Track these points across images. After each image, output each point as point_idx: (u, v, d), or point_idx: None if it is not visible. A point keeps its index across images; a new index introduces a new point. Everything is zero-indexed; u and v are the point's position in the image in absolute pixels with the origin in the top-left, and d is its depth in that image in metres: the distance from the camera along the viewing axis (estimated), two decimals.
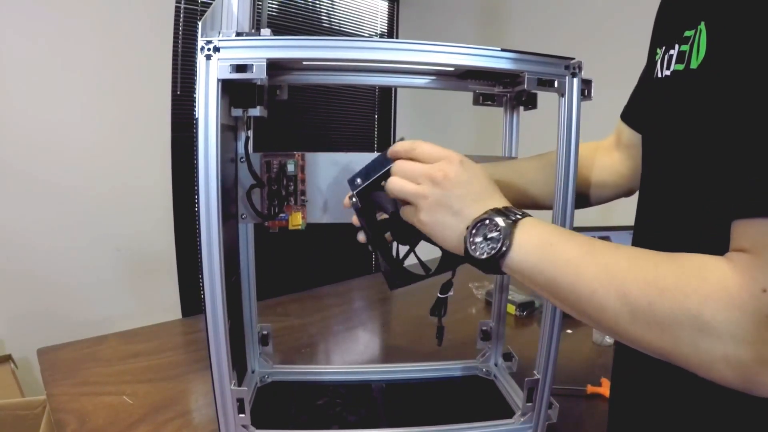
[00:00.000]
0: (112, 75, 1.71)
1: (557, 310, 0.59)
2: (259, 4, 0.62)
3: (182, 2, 1.92)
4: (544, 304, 0.61)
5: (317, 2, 2.48)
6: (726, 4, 0.37)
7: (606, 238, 1.17)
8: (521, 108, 0.71)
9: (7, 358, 1.47)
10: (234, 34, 0.53)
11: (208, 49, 0.50)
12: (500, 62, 0.55)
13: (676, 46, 0.44)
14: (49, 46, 1.58)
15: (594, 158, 0.67)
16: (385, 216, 0.53)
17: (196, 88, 0.50)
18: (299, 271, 2.38)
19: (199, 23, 0.54)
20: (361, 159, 0.68)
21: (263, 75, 0.51)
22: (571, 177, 0.56)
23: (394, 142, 0.51)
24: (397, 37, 2.79)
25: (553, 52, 0.55)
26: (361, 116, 2.76)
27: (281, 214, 0.67)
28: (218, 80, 0.50)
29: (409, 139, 0.51)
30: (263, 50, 0.51)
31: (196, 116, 0.50)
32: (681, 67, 0.43)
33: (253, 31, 0.58)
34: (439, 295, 0.58)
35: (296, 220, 0.67)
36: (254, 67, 0.51)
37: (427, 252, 0.55)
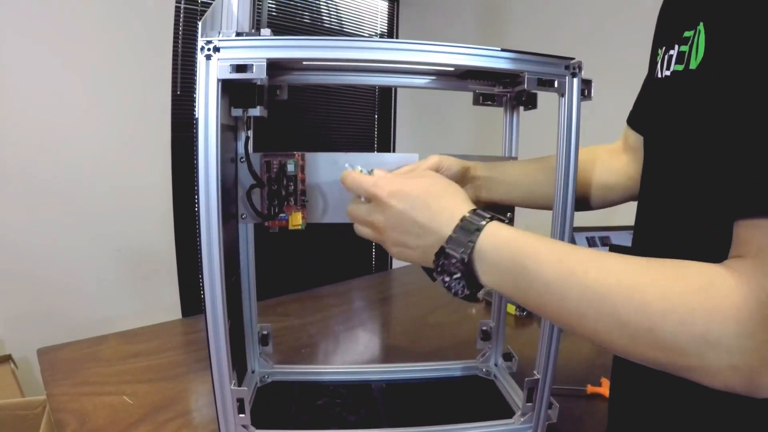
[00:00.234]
0: (112, 75, 1.71)
1: None
2: (259, 4, 0.62)
3: (182, 2, 1.92)
4: None
5: (317, 2, 2.48)
6: (724, 5, 0.37)
7: (606, 238, 1.17)
8: (521, 108, 0.71)
9: (7, 358, 1.47)
10: (234, 34, 0.53)
11: (208, 49, 0.50)
12: (500, 62, 0.54)
13: (676, 47, 0.44)
14: (49, 46, 1.58)
15: (603, 161, 0.66)
16: None
17: (196, 88, 0.50)
18: (299, 271, 2.38)
19: (199, 23, 0.54)
20: (361, 159, 0.68)
21: (263, 75, 0.51)
22: (571, 177, 0.56)
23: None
24: (397, 37, 2.79)
25: (553, 52, 0.55)
26: (361, 116, 2.76)
27: (281, 214, 0.67)
28: (218, 80, 0.50)
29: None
30: (263, 50, 0.51)
31: (196, 116, 0.50)
32: (680, 67, 0.43)
33: (253, 31, 0.58)
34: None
35: (296, 220, 0.67)
36: (254, 67, 0.51)
37: None
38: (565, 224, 0.57)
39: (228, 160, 0.62)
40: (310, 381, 0.77)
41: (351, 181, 0.51)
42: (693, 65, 0.40)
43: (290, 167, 0.66)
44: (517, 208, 0.72)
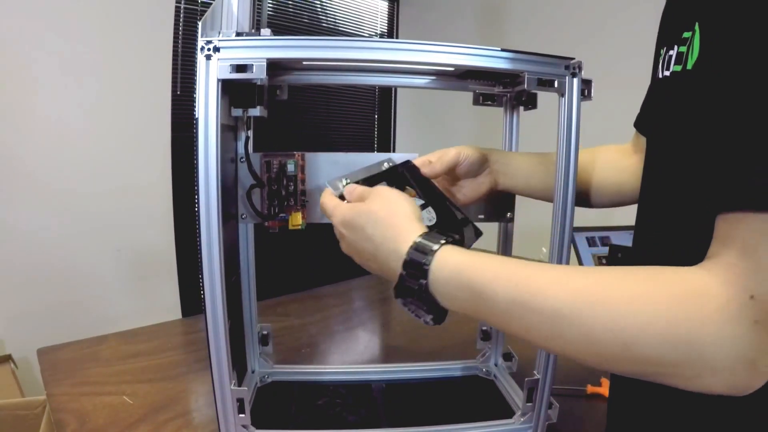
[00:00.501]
0: (112, 75, 1.71)
1: None
2: (259, 4, 0.62)
3: (182, 2, 1.92)
4: None
5: (317, 2, 2.48)
6: (718, 5, 0.37)
7: (606, 238, 1.17)
8: (521, 108, 0.71)
9: (7, 358, 1.47)
10: (234, 34, 0.53)
11: (208, 49, 0.50)
12: (500, 62, 0.55)
13: (675, 47, 0.44)
14: (49, 46, 1.58)
15: (614, 159, 0.67)
16: None
17: (196, 88, 0.50)
18: (299, 271, 2.38)
19: (199, 23, 0.54)
20: (361, 159, 0.68)
21: (263, 75, 0.51)
22: (571, 177, 0.56)
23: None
24: (397, 37, 2.79)
25: (553, 52, 0.55)
26: (361, 116, 2.76)
27: (281, 214, 0.67)
28: (218, 80, 0.50)
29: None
30: (263, 50, 0.51)
31: (196, 116, 0.50)
32: (679, 68, 0.43)
33: (253, 31, 0.58)
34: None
35: (296, 220, 0.67)
36: (254, 67, 0.51)
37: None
38: (565, 224, 0.57)
39: (228, 160, 0.62)
40: (310, 381, 0.77)
41: (320, 204, 0.53)
42: (689, 65, 0.41)
43: (290, 167, 0.66)
44: (516, 209, 0.73)
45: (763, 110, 0.31)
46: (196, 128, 0.50)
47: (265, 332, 0.76)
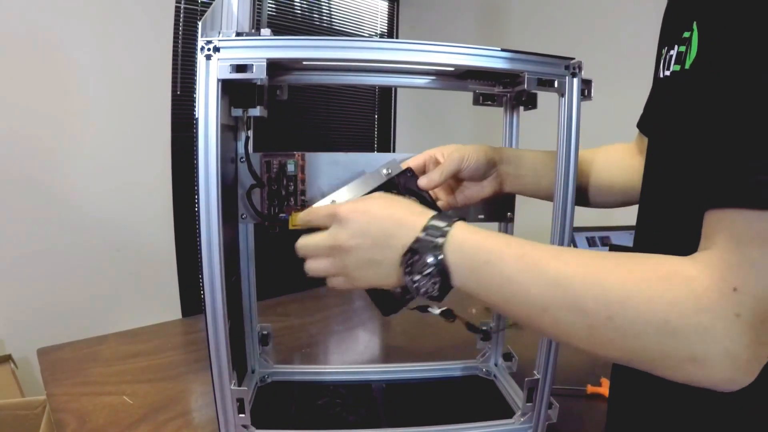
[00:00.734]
0: (112, 75, 1.71)
1: None
2: (259, 4, 0.62)
3: (182, 2, 1.92)
4: None
5: (317, 2, 2.48)
6: (715, 5, 0.37)
7: (606, 239, 1.17)
8: (521, 108, 0.71)
9: (7, 358, 1.47)
10: (234, 34, 0.53)
11: (208, 49, 0.50)
12: (500, 62, 0.54)
13: (676, 47, 0.44)
14: (49, 46, 1.58)
15: (620, 159, 0.66)
16: None
17: (196, 88, 0.50)
18: (299, 271, 2.38)
19: (199, 23, 0.54)
20: (361, 159, 0.68)
21: (263, 75, 0.51)
22: (572, 177, 0.56)
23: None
24: (397, 37, 2.79)
25: (553, 52, 0.55)
26: (361, 116, 2.76)
27: (281, 214, 0.67)
28: (218, 80, 0.50)
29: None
30: (263, 50, 0.51)
31: (196, 116, 0.50)
32: (678, 67, 0.43)
33: (253, 31, 0.58)
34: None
35: (296, 220, 0.67)
36: (254, 67, 0.51)
37: None
38: (565, 224, 0.57)
39: (228, 160, 0.62)
40: (310, 381, 0.77)
41: (306, 213, 0.51)
42: (687, 65, 0.41)
43: (290, 167, 0.66)
44: (516, 209, 0.72)
45: (752, 109, 0.31)
46: (196, 128, 0.50)
47: (265, 332, 0.76)
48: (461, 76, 0.68)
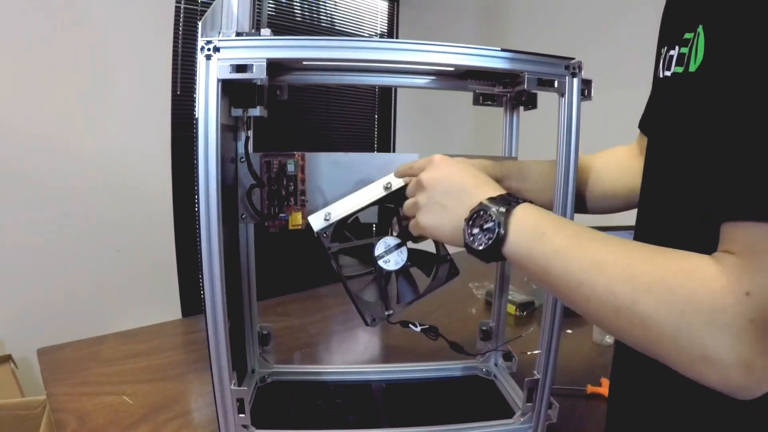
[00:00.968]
0: (112, 75, 1.71)
1: (557, 310, 0.59)
2: (259, 4, 0.62)
3: (182, 2, 1.92)
4: (544, 304, 0.61)
5: (317, 2, 2.48)
6: (724, 9, 0.37)
7: None
8: (521, 108, 0.71)
9: (7, 358, 1.47)
10: (234, 34, 0.53)
11: (208, 49, 0.50)
12: (500, 62, 0.55)
13: (677, 48, 0.44)
14: (49, 46, 1.58)
15: (625, 159, 0.66)
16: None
17: (196, 88, 0.50)
18: (299, 271, 2.38)
19: (199, 23, 0.54)
20: (361, 159, 0.68)
21: (263, 75, 0.51)
22: (571, 177, 0.56)
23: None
24: (397, 37, 2.79)
25: (553, 52, 0.55)
26: (361, 116, 2.76)
27: (281, 214, 0.67)
28: (218, 80, 0.50)
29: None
30: (263, 50, 0.51)
31: (196, 116, 0.50)
32: (680, 69, 0.43)
33: (253, 31, 0.58)
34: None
35: (296, 220, 0.67)
36: (254, 67, 0.51)
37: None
38: None
39: (228, 160, 0.62)
40: (310, 381, 0.77)
41: (405, 165, 0.57)
42: (692, 68, 0.40)
43: (290, 167, 0.66)
44: None
45: (763, 120, 0.31)
46: (196, 128, 0.50)
47: (265, 332, 0.76)
48: (461, 76, 0.68)
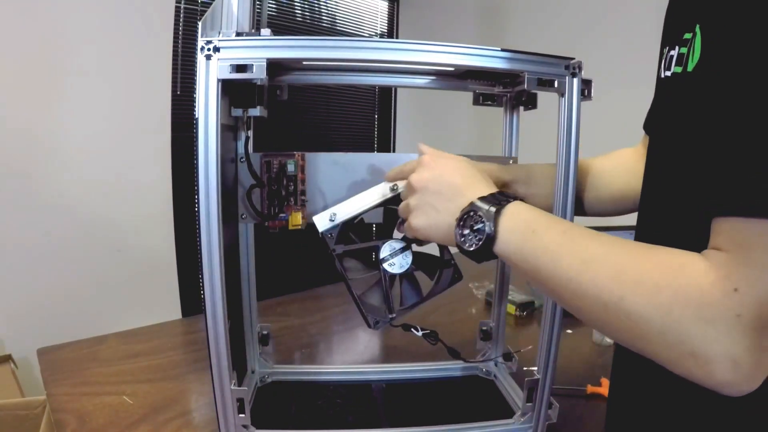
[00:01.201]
0: (112, 75, 1.71)
1: (557, 310, 0.59)
2: (259, 4, 0.62)
3: (182, 2, 1.92)
4: (544, 304, 0.61)
5: (317, 2, 2.48)
6: (720, 8, 0.37)
7: None
8: (521, 108, 0.71)
9: (7, 358, 1.47)
10: (234, 34, 0.53)
11: (208, 49, 0.50)
12: (500, 62, 0.55)
13: (677, 48, 0.44)
14: (49, 47, 1.58)
15: (631, 165, 0.65)
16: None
17: (196, 88, 0.50)
18: (299, 271, 2.38)
19: (199, 23, 0.54)
20: (361, 159, 0.68)
21: (263, 75, 0.51)
22: (571, 177, 0.56)
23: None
24: (397, 37, 2.79)
25: (553, 52, 0.55)
26: (361, 116, 2.76)
27: (281, 214, 0.67)
28: (218, 80, 0.50)
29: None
30: (263, 50, 0.51)
31: (196, 116, 0.50)
32: (679, 69, 0.43)
33: (253, 31, 0.58)
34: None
35: (296, 220, 0.67)
36: (254, 67, 0.51)
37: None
38: None
39: (228, 160, 0.62)
40: (310, 381, 0.76)
41: (398, 167, 0.57)
42: (690, 67, 0.41)
43: (290, 167, 0.66)
44: None
45: (757, 116, 0.31)
46: (196, 128, 0.50)
47: (265, 332, 0.76)
48: (461, 76, 0.68)
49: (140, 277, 1.86)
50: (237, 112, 0.59)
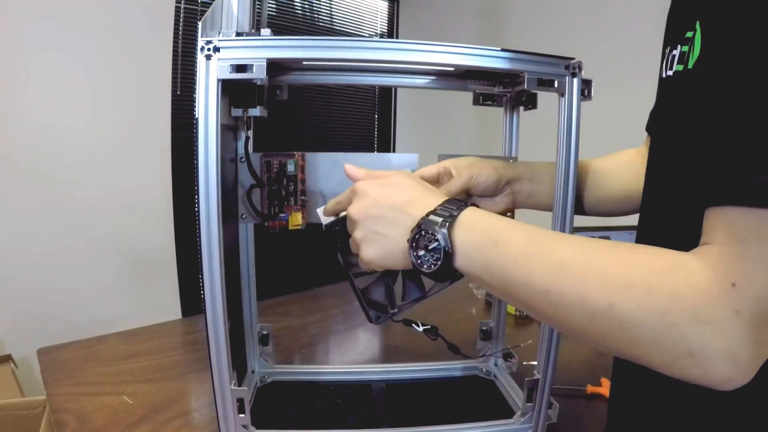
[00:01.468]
0: (112, 75, 1.71)
1: None
2: (259, 4, 0.62)
3: (182, 2, 1.92)
4: None
5: (317, 2, 2.48)
6: (719, 5, 0.37)
7: (606, 239, 1.17)
8: (521, 108, 0.71)
9: (7, 358, 1.47)
10: (234, 34, 0.53)
11: (208, 49, 0.50)
12: (500, 62, 0.55)
13: (679, 47, 0.44)
14: (49, 47, 1.58)
15: (635, 165, 0.65)
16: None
17: (196, 88, 0.50)
18: (299, 271, 2.38)
19: (199, 23, 0.54)
20: (361, 159, 0.68)
21: (263, 75, 0.51)
22: (571, 177, 0.56)
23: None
24: (397, 37, 2.79)
25: (553, 52, 0.55)
26: (361, 116, 2.76)
27: (281, 214, 0.67)
28: (218, 80, 0.50)
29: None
30: (263, 50, 0.51)
31: (196, 116, 0.50)
32: (681, 67, 0.43)
33: (253, 31, 0.58)
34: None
35: (296, 220, 0.67)
36: (254, 67, 0.51)
37: None
38: (565, 225, 0.57)
39: (228, 160, 0.62)
40: (310, 381, 0.77)
41: (334, 199, 0.53)
42: (690, 65, 0.41)
43: (290, 167, 0.66)
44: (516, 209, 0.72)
45: (752, 110, 0.31)
46: (196, 128, 0.50)
47: (265, 332, 0.76)
48: (461, 76, 0.68)
49: (140, 277, 1.86)
50: (237, 112, 0.59)
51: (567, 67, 0.55)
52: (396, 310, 0.55)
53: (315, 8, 2.48)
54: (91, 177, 1.71)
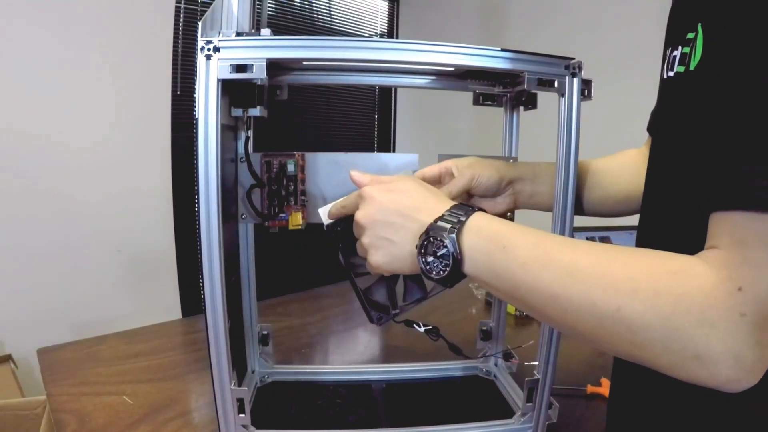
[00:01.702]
0: (112, 75, 1.71)
1: None
2: (259, 4, 0.62)
3: (182, 2, 1.92)
4: None
5: (317, 2, 2.48)
6: (721, 6, 0.37)
7: (606, 239, 1.17)
8: (521, 108, 0.71)
9: (7, 358, 1.47)
10: (234, 34, 0.53)
11: (208, 49, 0.50)
12: (500, 62, 0.55)
13: (680, 48, 0.44)
14: (49, 47, 1.58)
15: (637, 166, 0.65)
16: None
17: (196, 88, 0.50)
18: (299, 271, 2.38)
19: (199, 23, 0.54)
20: (361, 159, 0.68)
21: (263, 75, 0.51)
22: (571, 177, 0.56)
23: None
24: (397, 37, 2.79)
25: (553, 52, 0.55)
26: (361, 116, 2.76)
27: (281, 214, 0.67)
28: (218, 80, 0.50)
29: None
30: (263, 50, 0.51)
31: (196, 116, 0.50)
32: (682, 69, 0.43)
33: (253, 31, 0.58)
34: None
35: (296, 220, 0.67)
36: (254, 67, 0.51)
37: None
38: (565, 225, 0.57)
39: (228, 160, 0.62)
40: (310, 381, 0.77)
41: (340, 201, 0.53)
42: (692, 66, 0.41)
43: (290, 167, 0.66)
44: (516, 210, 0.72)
45: (754, 113, 0.31)
46: (196, 128, 0.50)
47: (265, 332, 0.76)
48: (461, 76, 0.68)
49: (140, 277, 1.86)
50: (237, 112, 0.59)
51: (567, 67, 0.55)
52: (398, 311, 0.55)
53: (315, 8, 2.48)
54: (91, 177, 1.71)
